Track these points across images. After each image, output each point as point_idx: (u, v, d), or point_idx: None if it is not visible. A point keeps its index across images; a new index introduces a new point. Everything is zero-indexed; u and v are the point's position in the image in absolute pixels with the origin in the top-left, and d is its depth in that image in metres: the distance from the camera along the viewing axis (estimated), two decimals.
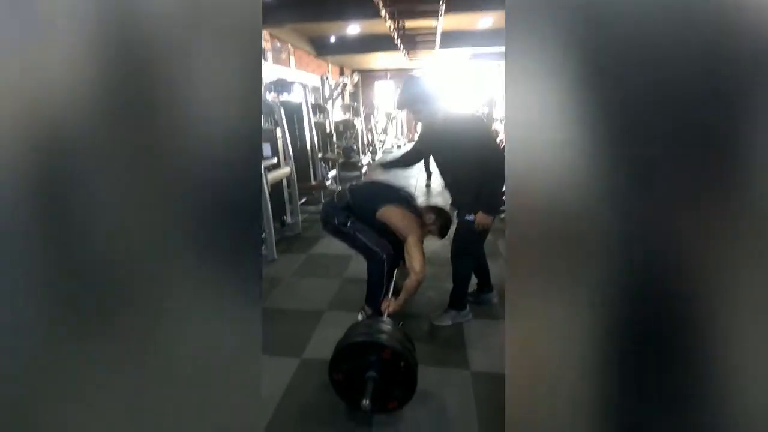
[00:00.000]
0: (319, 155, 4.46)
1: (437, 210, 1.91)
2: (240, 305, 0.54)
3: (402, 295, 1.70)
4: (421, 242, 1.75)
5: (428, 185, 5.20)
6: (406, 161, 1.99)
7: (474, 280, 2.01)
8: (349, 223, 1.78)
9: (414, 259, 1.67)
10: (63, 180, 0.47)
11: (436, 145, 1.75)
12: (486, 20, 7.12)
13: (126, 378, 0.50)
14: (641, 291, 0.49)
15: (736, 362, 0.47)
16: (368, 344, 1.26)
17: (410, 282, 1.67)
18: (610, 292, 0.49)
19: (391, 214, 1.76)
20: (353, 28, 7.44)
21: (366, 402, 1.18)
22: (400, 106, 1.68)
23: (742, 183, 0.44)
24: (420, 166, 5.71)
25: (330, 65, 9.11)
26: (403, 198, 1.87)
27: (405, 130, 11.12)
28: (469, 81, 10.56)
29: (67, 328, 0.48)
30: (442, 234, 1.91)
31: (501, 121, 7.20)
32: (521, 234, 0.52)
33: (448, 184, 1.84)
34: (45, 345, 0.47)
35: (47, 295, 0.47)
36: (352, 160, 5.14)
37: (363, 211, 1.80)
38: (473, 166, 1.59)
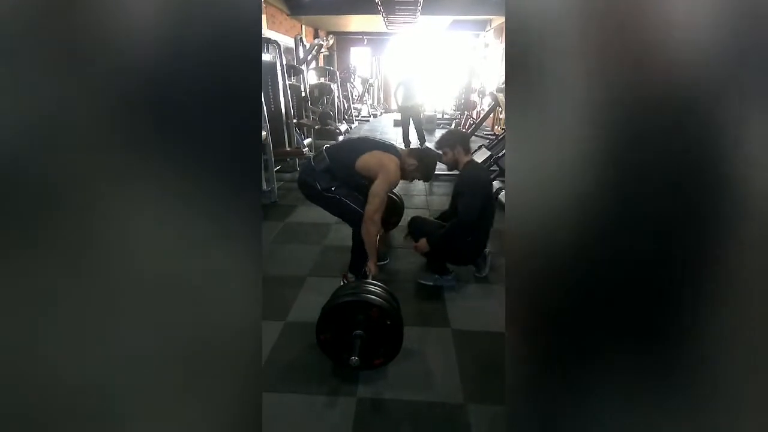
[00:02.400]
0: (294, 121, 4.29)
1: (419, 153, 1.84)
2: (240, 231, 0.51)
3: (368, 252, 1.70)
4: (391, 187, 1.72)
5: None
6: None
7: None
8: (333, 188, 1.73)
9: (370, 203, 1.64)
10: None
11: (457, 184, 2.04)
12: None
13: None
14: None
15: None
16: (356, 303, 1.28)
17: (363, 231, 1.67)
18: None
19: (368, 159, 1.70)
20: None
21: (355, 358, 1.21)
22: (439, 145, 1.96)
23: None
24: (397, 137, 5.67)
25: (304, 26, 8.58)
26: (381, 145, 1.79)
27: (382, 99, 10.85)
28: (448, 52, 10.35)
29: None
30: (426, 177, 1.88)
31: (479, 92, 7.17)
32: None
33: (451, 210, 2.10)
34: None
35: None
36: (329, 127, 4.99)
37: (344, 169, 1.73)
38: (469, 209, 1.78)
